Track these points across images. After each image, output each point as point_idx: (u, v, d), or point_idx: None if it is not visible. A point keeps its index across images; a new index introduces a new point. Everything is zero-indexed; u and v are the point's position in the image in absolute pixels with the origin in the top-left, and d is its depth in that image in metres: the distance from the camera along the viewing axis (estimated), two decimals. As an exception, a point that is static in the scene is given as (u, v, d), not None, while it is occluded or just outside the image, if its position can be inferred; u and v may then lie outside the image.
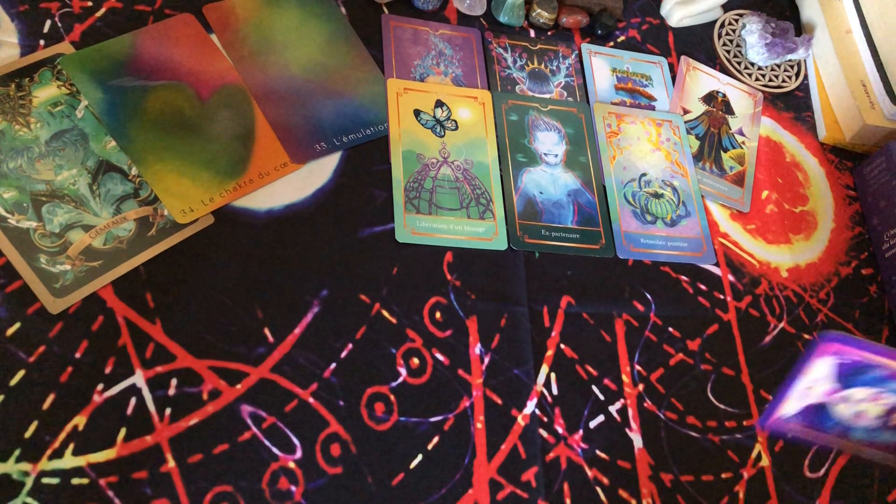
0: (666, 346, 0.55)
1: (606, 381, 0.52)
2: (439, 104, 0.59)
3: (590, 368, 0.52)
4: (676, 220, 0.61)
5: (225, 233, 0.49)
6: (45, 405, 0.41)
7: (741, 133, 0.68)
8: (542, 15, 0.66)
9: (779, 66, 0.74)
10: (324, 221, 0.52)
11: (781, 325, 0.59)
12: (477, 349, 0.50)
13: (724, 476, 0.52)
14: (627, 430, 0.51)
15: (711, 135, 0.67)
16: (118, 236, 0.47)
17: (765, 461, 0.53)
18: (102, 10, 0.55)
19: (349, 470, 0.44)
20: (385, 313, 0.50)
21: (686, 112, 0.67)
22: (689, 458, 0.52)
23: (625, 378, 0.53)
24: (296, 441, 0.44)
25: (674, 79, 0.69)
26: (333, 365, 0.47)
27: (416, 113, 0.58)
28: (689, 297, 0.58)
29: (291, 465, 0.44)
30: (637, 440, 0.51)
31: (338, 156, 0.55)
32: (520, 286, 0.54)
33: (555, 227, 0.57)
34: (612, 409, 0.52)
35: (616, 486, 0.49)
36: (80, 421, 0.41)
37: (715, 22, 0.75)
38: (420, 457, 0.46)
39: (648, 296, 0.57)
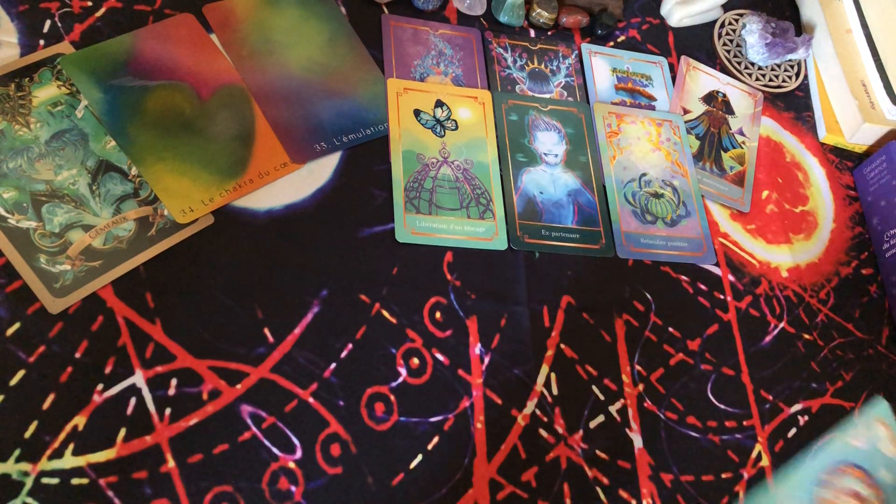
0: (666, 346, 0.55)
1: (606, 381, 0.52)
2: (439, 104, 0.59)
3: (590, 368, 0.52)
4: (676, 219, 0.61)
5: (225, 233, 0.49)
6: (45, 405, 0.41)
7: (741, 133, 0.68)
8: (542, 15, 0.66)
9: (779, 66, 0.74)
10: (324, 221, 0.52)
11: (781, 325, 0.59)
12: (477, 349, 0.50)
13: (724, 476, 0.52)
14: (627, 430, 0.51)
15: (711, 135, 0.67)
16: (118, 236, 0.47)
17: (765, 461, 0.53)
18: (102, 10, 0.55)
19: (349, 470, 0.44)
20: (385, 313, 0.50)
21: (686, 112, 0.67)
22: (689, 458, 0.52)
23: (625, 378, 0.53)
24: (296, 441, 0.44)
25: (674, 79, 0.69)
26: (333, 365, 0.47)
27: (416, 113, 0.58)
28: (689, 297, 0.58)
29: (291, 465, 0.44)
30: (637, 440, 0.51)
31: (338, 156, 0.55)
32: (520, 286, 0.54)
33: (555, 227, 0.57)
34: (612, 409, 0.52)
35: (616, 486, 0.49)
36: (80, 421, 0.41)
37: (715, 22, 0.75)
38: (420, 457, 0.46)
39: (648, 296, 0.57)
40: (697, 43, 0.73)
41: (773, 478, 0.40)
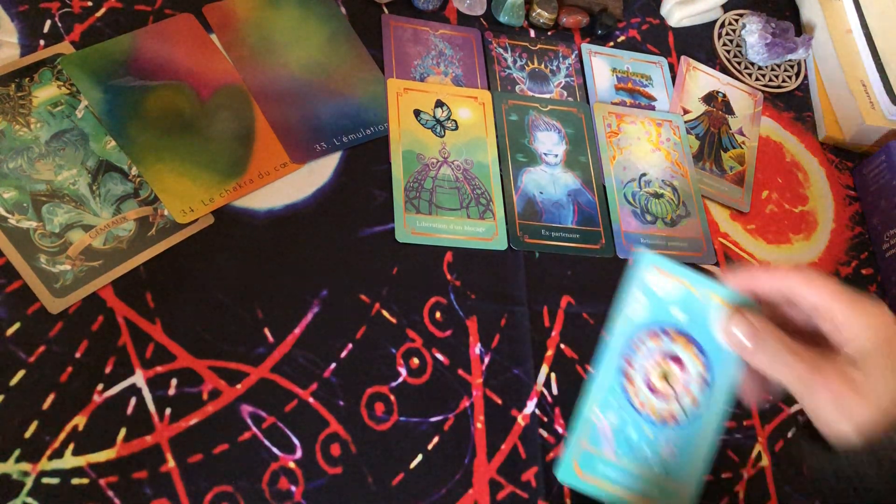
0: (666, 346, 0.55)
1: (606, 381, 0.52)
2: (439, 104, 0.59)
3: (590, 368, 0.52)
4: (676, 219, 0.61)
5: (225, 233, 0.49)
6: (45, 405, 0.41)
7: (741, 133, 0.68)
8: (542, 15, 0.66)
9: (779, 66, 0.74)
10: (324, 221, 0.52)
11: (781, 325, 0.59)
12: (477, 349, 0.50)
13: (724, 476, 0.52)
14: (627, 430, 0.51)
15: (711, 135, 0.67)
16: (118, 236, 0.47)
17: (765, 461, 0.53)
18: (102, 10, 0.55)
19: (349, 470, 0.44)
20: (385, 313, 0.50)
21: (686, 112, 0.67)
22: (689, 458, 0.52)
23: (625, 378, 0.53)
24: (296, 441, 0.44)
25: (674, 79, 0.69)
26: (333, 365, 0.47)
27: (416, 113, 0.58)
28: (689, 297, 0.58)
29: (291, 465, 0.44)
30: (637, 440, 0.51)
31: (338, 156, 0.55)
32: (520, 286, 0.54)
33: (555, 227, 0.57)
34: (612, 409, 0.52)
35: (616, 486, 0.49)
36: (80, 421, 0.41)
37: (715, 22, 0.75)
38: (420, 457, 0.46)
39: (648, 296, 0.57)
40: (697, 43, 0.73)
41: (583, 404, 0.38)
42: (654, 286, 0.39)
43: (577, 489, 0.38)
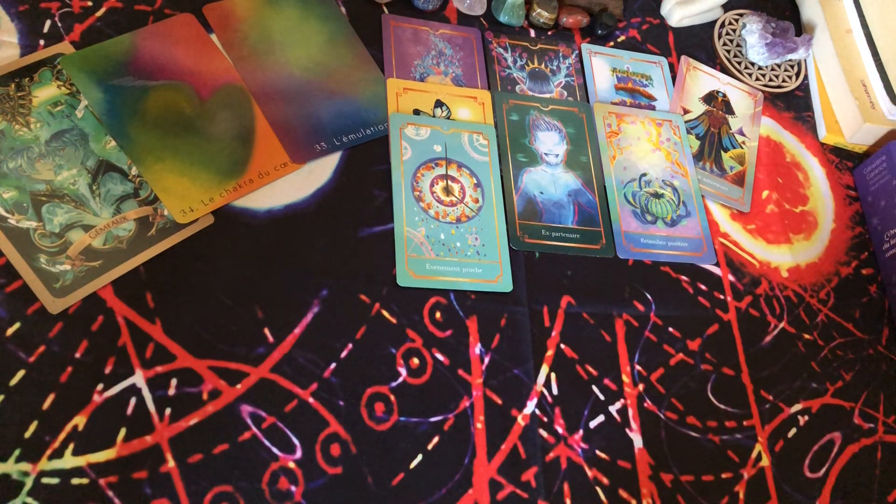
0: (666, 346, 0.55)
1: (606, 381, 0.52)
2: (439, 104, 0.59)
3: (590, 368, 0.52)
4: (676, 220, 0.61)
5: (225, 233, 0.49)
6: (45, 405, 0.41)
7: (741, 133, 0.68)
8: (542, 15, 0.66)
9: (779, 65, 0.74)
10: (324, 221, 0.52)
11: (781, 325, 0.59)
12: (477, 349, 0.50)
13: (724, 476, 0.52)
14: (627, 430, 0.51)
15: (712, 135, 0.67)
16: (118, 236, 0.47)
17: (765, 461, 0.53)
18: (102, 10, 0.55)
19: (349, 470, 0.44)
20: (385, 313, 0.50)
21: (686, 112, 0.67)
22: (689, 458, 0.52)
23: (625, 378, 0.53)
24: (296, 441, 0.44)
25: (674, 79, 0.69)
26: (333, 365, 0.47)
27: (416, 113, 0.58)
28: (689, 297, 0.58)
29: (291, 465, 0.44)
30: (637, 440, 0.51)
31: (338, 156, 0.55)
32: (520, 286, 0.54)
33: (555, 227, 0.57)
34: (612, 409, 0.52)
35: (616, 486, 0.49)
36: (79, 421, 0.41)
37: (715, 22, 0.75)
38: (420, 457, 0.46)
39: (648, 296, 0.57)
40: (697, 43, 0.73)
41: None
42: (413, 136, 0.54)
43: (417, 287, 0.50)
